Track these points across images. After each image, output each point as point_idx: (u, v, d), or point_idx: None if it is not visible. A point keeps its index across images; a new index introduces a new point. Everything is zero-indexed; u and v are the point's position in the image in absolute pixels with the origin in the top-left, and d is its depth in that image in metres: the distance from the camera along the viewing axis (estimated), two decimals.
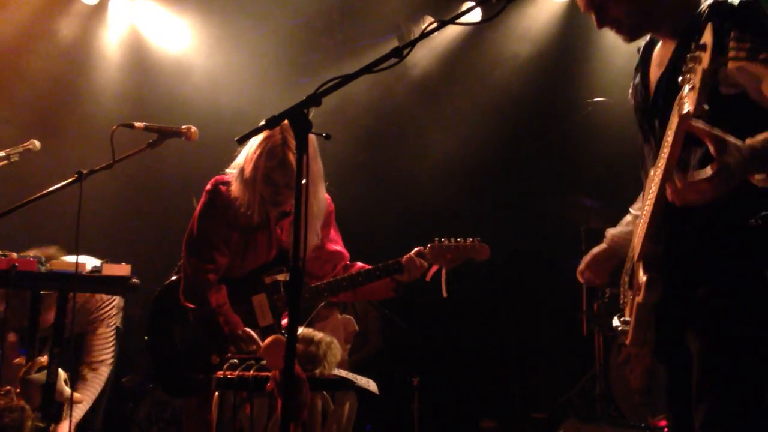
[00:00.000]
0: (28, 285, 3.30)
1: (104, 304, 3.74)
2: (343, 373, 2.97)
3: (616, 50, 5.06)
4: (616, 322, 2.21)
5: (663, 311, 1.93)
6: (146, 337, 3.30)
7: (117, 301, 3.83)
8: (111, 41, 6.04)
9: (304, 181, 1.86)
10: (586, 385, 4.93)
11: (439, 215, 5.81)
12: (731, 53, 1.68)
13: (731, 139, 1.62)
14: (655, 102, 2.00)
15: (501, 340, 5.69)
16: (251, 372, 2.63)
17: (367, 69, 1.96)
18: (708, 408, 1.88)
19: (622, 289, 2.18)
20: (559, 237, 5.22)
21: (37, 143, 3.94)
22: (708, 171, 1.62)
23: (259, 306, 3.09)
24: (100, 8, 5.90)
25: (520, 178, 5.82)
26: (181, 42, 6.11)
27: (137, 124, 3.04)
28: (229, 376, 2.64)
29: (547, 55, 5.60)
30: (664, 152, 1.75)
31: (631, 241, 2.08)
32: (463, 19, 2.12)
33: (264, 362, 2.66)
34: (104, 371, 3.77)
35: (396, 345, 5.71)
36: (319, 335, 2.83)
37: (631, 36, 2.05)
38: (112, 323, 3.80)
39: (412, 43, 1.98)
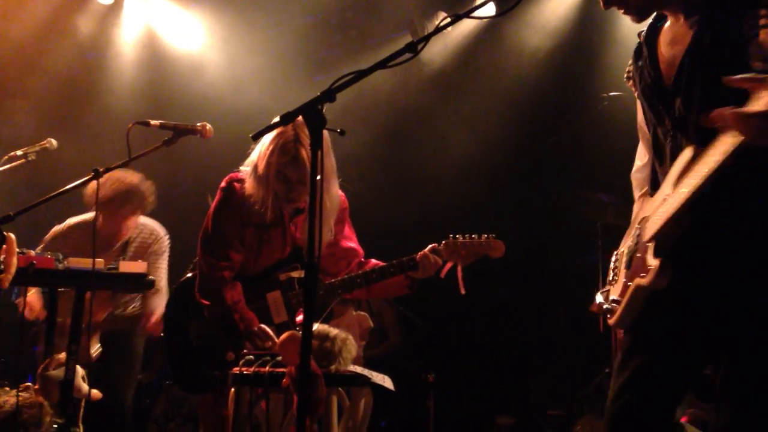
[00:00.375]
0: (45, 282, 3.35)
1: (154, 242, 4.37)
2: (359, 369, 2.96)
3: (633, 44, 5.01)
4: (599, 298, 2.15)
5: (681, 299, 1.86)
6: (162, 334, 3.32)
7: (165, 242, 4.41)
8: (127, 40, 6.08)
9: (318, 177, 1.85)
10: (602, 381, 4.90)
11: (455, 211, 5.80)
12: (762, 20, 1.66)
13: None
14: (677, 81, 1.90)
15: (517, 336, 5.67)
16: (267, 368, 2.63)
17: (382, 64, 1.96)
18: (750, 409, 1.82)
19: (613, 265, 2.12)
20: (575, 233, 5.19)
21: (54, 142, 3.99)
22: (761, 106, 1.53)
23: (274, 303, 3.09)
24: (116, 7, 5.94)
25: (535, 173, 5.79)
26: (196, 40, 6.14)
27: (153, 122, 3.05)
28: (244, 372, 2.65)
29: (562, 49, 5.55)
30: (719, 148, 1.65)
31: (639, 220, 2.02)
32: (477, 13, 2.10)
33: (279, 358, 2.66)
34: (163, 295, 4.23)
35: (411, 342, 5.71)
36: (334, 331, 2.83)
37: (639, 16, 2.00)
38: (162, 254, 4.38)
39: (426, 38, 1.97)
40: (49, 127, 5.25)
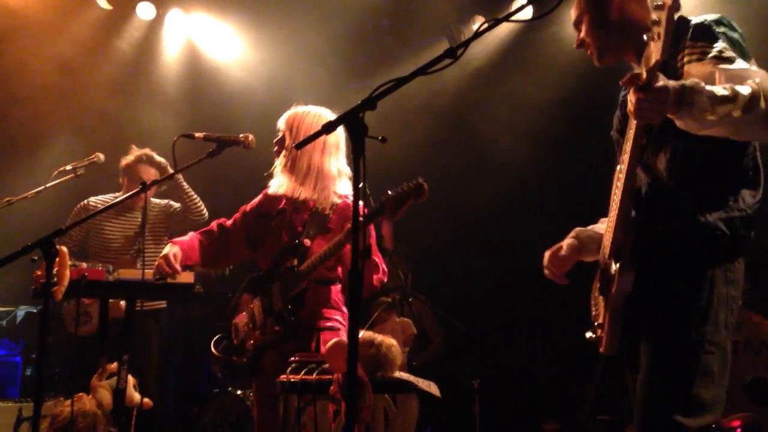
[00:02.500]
0: (97, 293, 3.43)
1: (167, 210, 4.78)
2: (405, 375, 2.96)
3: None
4: (588, 333, 2.18)
5: (630, 314, 1.98)
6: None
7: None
8: (168, 54, 6.21)
9: (361, 185, 1.87)
10: None
11: (496, 213, 5.76)
12: (686, 58, 1.94)
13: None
14: (626, 115, 2.05)
15: (563, 340, 5.58)
16: (314, 375, 2.65)
17: (422, 71, 1.96)
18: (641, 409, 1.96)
19: (593, 302, 2.20)
20: None
21: (102, 156, 4.09)
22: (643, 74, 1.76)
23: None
24: (157, 23, 6.07)
25: (578, 174, 5.72)
26: (235, 51, 6.24)
27: (197, 135, 3.10)
28: (292, 380, 2.67)
29: None
30: (627, 145, 1.94)
31: (602, 246, 2.13)
32: (516, 17, 2.10)
33: (326, 366, 2.68)
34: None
35: (456, 348, 5.68)
36: (379, 338, 2.83)
37: (598, 58, 2.22)
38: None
39: (466, 44, 1.97)
40: (94, 142, 5.37)
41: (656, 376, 1.93)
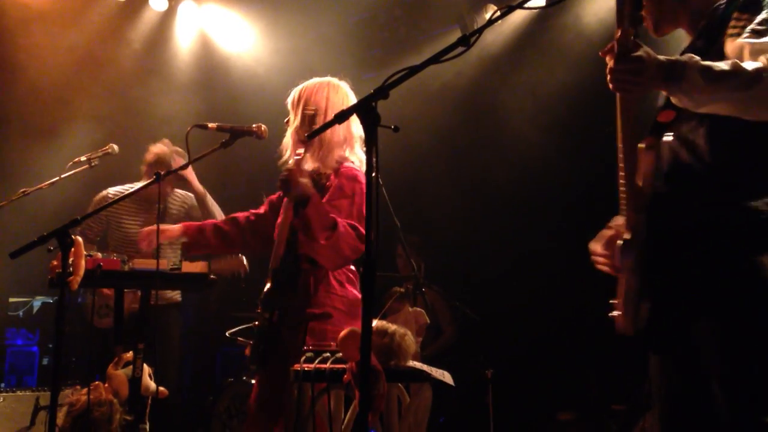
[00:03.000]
0: (112, 283, 3.45)
1: (190, 209, 4.80)
2: (418, 365, 2.96)
3: None
4: (613, 312, 2.14)
5: (659, 294, 1.92)
6: None
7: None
8: (181, 45, 6.22)
9: (374, 174, 1.86)
10: None
11: (511, 200, 5.74)
12: (729, 31, 1.85)
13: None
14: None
15: (578, 329, 5.57)
16: (328, 364, 2.66)
17: (434, 59, 1.95)
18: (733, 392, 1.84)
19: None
20: None
21: (116, 147, 4.11)
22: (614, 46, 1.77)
23: None
24: (169, 14, 6.08)
25: (592, 163, 5.67)
26: (247, 42, 6.24)
27: (210, 125, 3.11)
28: (306, 369, 2.68)
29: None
30: (618, 122, 1.91)
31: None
32: (529, 4, 2.09)
33: (340, 354, 2.68)
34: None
35: (469, 337, 5.68)
36: (392, 327, 2.83)
37: (655, 29, 2.15)
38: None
39: (479, 31, 1.96)
40: (108, 132, 5.40)
41: (732, 380, 1.83)
